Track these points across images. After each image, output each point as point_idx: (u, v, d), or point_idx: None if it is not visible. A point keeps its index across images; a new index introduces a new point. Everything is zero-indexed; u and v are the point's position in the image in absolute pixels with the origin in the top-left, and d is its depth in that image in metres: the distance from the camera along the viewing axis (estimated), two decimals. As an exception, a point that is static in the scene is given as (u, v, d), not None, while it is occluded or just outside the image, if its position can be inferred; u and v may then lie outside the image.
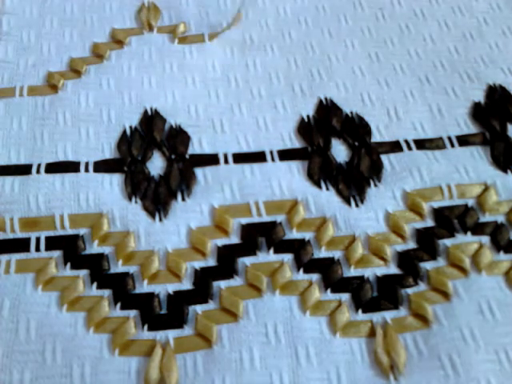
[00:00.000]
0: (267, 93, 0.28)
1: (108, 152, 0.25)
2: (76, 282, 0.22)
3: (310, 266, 0.23)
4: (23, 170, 0.24)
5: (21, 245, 0.22)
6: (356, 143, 0.26)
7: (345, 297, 0.22)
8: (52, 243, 0.23)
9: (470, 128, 0.27)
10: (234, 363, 0.20)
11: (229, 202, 0.24)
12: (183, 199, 0.24)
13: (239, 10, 0.29)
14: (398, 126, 0.27)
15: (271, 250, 0.23)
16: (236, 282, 0.22)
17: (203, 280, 0.22)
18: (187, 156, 0.25)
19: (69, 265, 0.22)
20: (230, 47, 0.29)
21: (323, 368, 0.20)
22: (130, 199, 0.24)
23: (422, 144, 0.26)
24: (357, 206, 0.24)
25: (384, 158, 0.26)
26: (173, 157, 0.25)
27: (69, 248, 0.23)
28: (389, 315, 0.22)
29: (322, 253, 0.23)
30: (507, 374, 0.20)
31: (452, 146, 0.26)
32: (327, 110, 0.27)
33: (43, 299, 0.21)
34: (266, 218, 0.24)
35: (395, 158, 0.26)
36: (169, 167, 0.25)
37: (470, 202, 0.25)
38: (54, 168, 0.24)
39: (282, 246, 0.23)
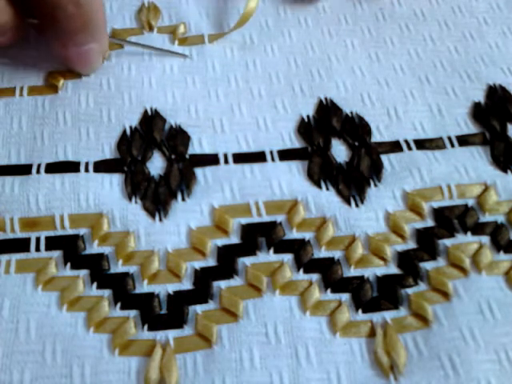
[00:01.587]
0: (267, 93, 0.28)
1: (108, 152, 0.25)
2: (76, 282, 0.22)
3: (310, 265, 0.23)
4: (23, 170, 0.24)
5: (21, 245, 0.23)
6: (356, 143, 0.26)
7: (345, 297, 0.22)
8: (52, 243, 0.23)
9: (470, 128, 0.27)
10: (234, 363, 0.20)
11: (229, 202, 0.24)
12: (183, 199, 0.24)
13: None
14: (398, 126, 0.27)
15: (271, 250, 0.23)
16: (236, 281, 0.22)
17: (203, 280, 0.22)
18: (187, 156, 0.25)
19: (69, 265, 0.22)
20: (230, 47, 0.29)
21: (323, 368, 0.20)
22: (130, 199, 0.24)
23: (422, 144, 0.26)
24: (357, 206, 0.24)
25: (384, 158, 0.26)
26: (173, 157, 0.25)
27: (69, 248, 0.23)
28: (389, 315, 0.22)
29: (322, 253, 0.23)
30: (507, 374, 0.20)
31: (452, 146, 0.26)
32: (327, 109, 0.27)
33: (43, 299, 0.21)
34: (266, 218, 0.24)
35: (395, 158, 0.26)
36: (169, 167, 0.25)
37: (470, 202, 0.25)
38: (54, 168, 0.24)
39: (282, 246, 0.23)
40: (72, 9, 0.24)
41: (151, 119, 0.26)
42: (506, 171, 0.25)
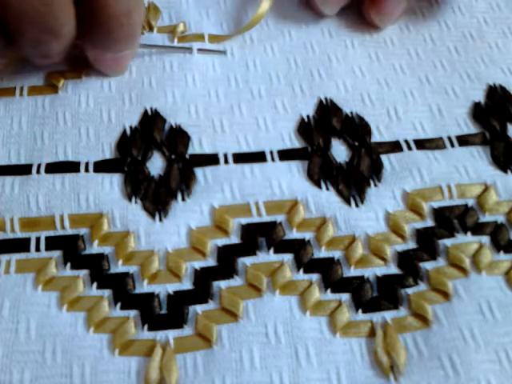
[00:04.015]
0: (267, 93, 0.28)
1: (108, 152, 0.25)
2: (76, 281, 0.22)
3: (310, 266, 0.23)
4: (23, 170, 0.24)
5: (21, 245, 0.22)
6: (356, 143, 0.26)
7: (345, 297, 0.22)
8: (52, 243, 0.23)
9: (470, 128, 0.27)
10: (234, 363, 0.20)
11: (229, 202, 0.24)
12: (183, 199, 0.24)
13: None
14: (398, 126, 0.27)
15: (271, 250, 0.23)
16: (236, 282, 0.22)
17: (203, 280, 0.22)
18: (187, 156, 0.25)
19: (69, 265, 0.22)
20: (230, 47, 0.29)
21: (323, 368, 0.20)
22: (130, 199, 0.24)
23: (422, 144, 0.26)
24: (357, 205, 0.24)
25: (384, 157, 0.26)
26: (173, 157, 0.25)
27: (69, 248, 0.23)
28: (389, 315, 0.22)
29: (322, 253, 0.23)
30: (507, 374, 0.20)
31: (452, 146, 0.26)
32: (327, 109, 0.27)
33: (43, 299, 0.21)
34: (266, 218, 0.24)
35: (395, 157, 0.26)
36: (169, 167, 0.25)
37: (470, 202, 0.25)
38: (54, 168, 0.24)
39: (282, 246, 0.23)
40: (124, 19, 0.24)
41: (151, 119, 0.26)
42: (506, 171, 0.25)
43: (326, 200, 0.24)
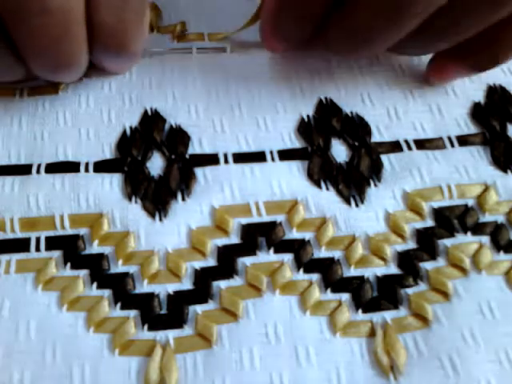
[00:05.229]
0: (267, 93, 0.28)
1: (108, 152, 0.25)
2: (76, 282, 0.22)
3: (310, 266, 0.23)
4: (23, 170, 0.24)
5: (21, 245, 0.23)
6: (356, 143, 0.26)
7: (345, 297, 0.22)
8: (52, 243, 0.23)
9: (470, 128, 0.27)
10: (234, 363, 0.20)
11: (229, 202, 0.24)
12: (183, 199, 0.24)
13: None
14: (398, 126, 0.27)
15: (271, 250, 0.23)
16: (236, 282, 0.22)
17: (203, 280, 0.22)
18: (187, 156, 0.25)
19: (69, 265, 0.22)
20: (230, 46, 0.29)
21: (323, 368, 0.20)
22: (130, 199, 0.24)
23: (422, 144, 0.26)
24: (357, 205, 0.24)
25: (384, 158, 0.26)
26: (173, 157, 0.25)
27: (69, 248, 0.23)
28: (389, 315, 0.22)
29: (322, 253, 0.23)
30: (507, 374, 0.20)
31: (452, 146, 0.26)
32: (327, 109, 0.27)
33: (43, 299, 0.21)
34: (266, 218, 0.24)
35: (395, 157, 0.26)
36: (169, 167, 0.25)
37: (470, 202, 0.25)
38: (54, 168, 0.24)
39: (282, 246, 0.23)
40: (123, 50, 0.23)
41: (151, 119, 0.26)
42: (506, 171, 0.25)
43: (326, 200, 0.24)
